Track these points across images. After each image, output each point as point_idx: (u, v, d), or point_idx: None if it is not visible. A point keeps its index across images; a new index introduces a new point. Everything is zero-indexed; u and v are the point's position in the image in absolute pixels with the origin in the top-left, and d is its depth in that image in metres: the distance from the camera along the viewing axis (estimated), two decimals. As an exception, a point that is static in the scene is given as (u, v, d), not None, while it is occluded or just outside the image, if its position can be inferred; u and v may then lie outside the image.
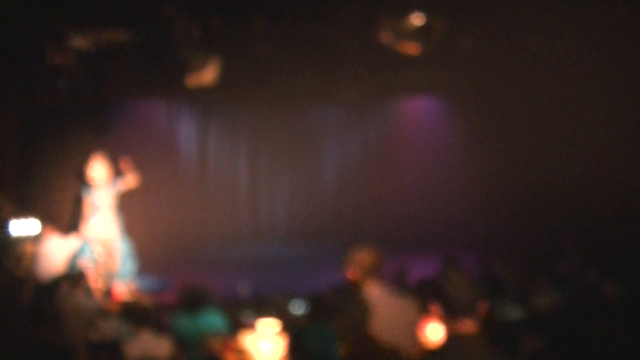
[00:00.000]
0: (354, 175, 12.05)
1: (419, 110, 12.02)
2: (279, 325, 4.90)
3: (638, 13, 7.08)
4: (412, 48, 6.85)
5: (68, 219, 8.67)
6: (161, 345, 4.53)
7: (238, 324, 5.23)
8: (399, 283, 6.47)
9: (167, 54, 7.22)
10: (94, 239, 8.21)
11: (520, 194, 10.58)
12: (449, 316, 2.56)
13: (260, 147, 11.76)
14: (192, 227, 11.07)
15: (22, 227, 7.68)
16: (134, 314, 4.82)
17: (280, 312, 5.50)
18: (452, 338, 2.53)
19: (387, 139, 12.06)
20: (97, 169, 8.33)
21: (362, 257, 3.36)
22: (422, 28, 6.55)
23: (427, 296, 5.38)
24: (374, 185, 11.96)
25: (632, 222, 8.80)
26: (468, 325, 2.53)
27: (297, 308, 5.68)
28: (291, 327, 4.87)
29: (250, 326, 5.08)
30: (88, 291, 6.31)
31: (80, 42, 6.97)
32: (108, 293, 7.65)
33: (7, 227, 7.51)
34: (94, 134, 8.99)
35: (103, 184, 8.32)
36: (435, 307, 2.64)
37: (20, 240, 7.59)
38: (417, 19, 6.50)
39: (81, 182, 8.50)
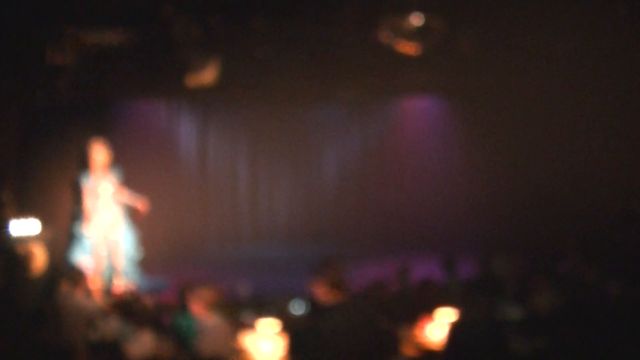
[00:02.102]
0: (354, 175, 12.04)
1: (419, 110, 12.02)
2: (279, 325, 4.90)
3: (638, 13, 7.08)
4: (411, 48, 6.85)
5: (69, 212, 8.65)
6: (161, 345, 4.54)
7: (238, 324, 5.23)
8: (401, 282, 6.48)
9: (167, 54, 7.22)
10: (96, 228, 8.18)
11: (521, 194, 10.58)
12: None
13: (260, 147, 11.75)
14: (192, 227, 11.07)
15: (22, 227, 7.69)
16: (134, 314, 4.83)
17: (280, 312, 5.50)
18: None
19: (387, 139, 12.04)
20: (97, 153, 8.28)
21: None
22: (421, 28, 6.55)
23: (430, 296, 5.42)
24: (374, 185, 11.95)
25: (632, 222, 8.80)
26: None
27: (297, 308, 5.68)
28: (291, 327, 4.87)
29: (250, 326, 5.08)
30: (88, 291, 6.31)
31: (80, 42, 6.97)
32: (108, 293, 7.65)
33: (7, 227, 7.52)
34: (94, 134, 8.98)
35: (102, 170, 8.26)
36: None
37: (20, 241, 7.59)
38: (416, 19, 6.50)
39: (80, 168, 8.46)
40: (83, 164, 8.37)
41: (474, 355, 4.20)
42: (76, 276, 6.02)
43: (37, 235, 7.73)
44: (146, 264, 8.83)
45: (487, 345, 4.20)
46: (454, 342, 4.35)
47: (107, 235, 8.20)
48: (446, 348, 4.40)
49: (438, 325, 4.99)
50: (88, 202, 8.18)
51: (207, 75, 7.33)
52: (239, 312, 5.69)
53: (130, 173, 8.83)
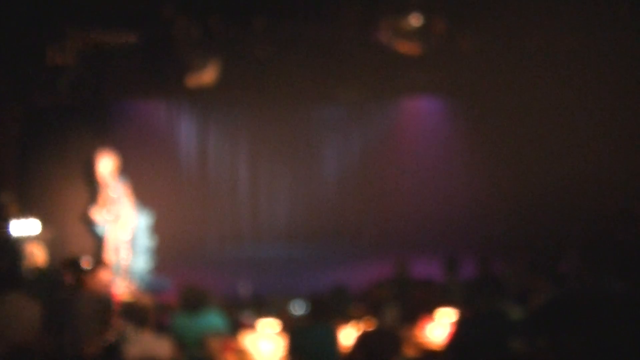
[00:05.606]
0: (354, 175, 12.04)
1: (419, 110, 12.02)
2: (279, 325, 4.90)
3: (638, 13, 7.08)
4: (411, 48, 6.85)
5: (72, 218, 8.67)
6: (161, 345, 4.53)
7: (238, 324, 5.24)
8: (399, 273, 6.50)
9: (167, 54, 7.22)
10: (105, 237, 8.20)
11: (521, 194, 10.58)
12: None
13: (260, 147, 11.75)
14: (192, 227, 11.07)
15: (23, 227, 7.69)
16: (134, 314, 4.82)
17: (280, 312, 5.50)
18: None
19: (387, 139, 12.05)
20: (105, 165, 8.30)
21: None
22: (421, 28, 6.56)
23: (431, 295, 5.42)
24: (374, 185, 11.95)
25: (632, 222, 8.80)
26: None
27: (297, 308, 5.68)
28: (291, 327, 4.88)
29: (250, 326, 5.09)
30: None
31: (80, 41, 6.97)
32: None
33: (8, 227, 7.52)
34: (94, 134, 8.99)
35: (111, 180, 8.29)
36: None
37: (21, 241, 7.59)
38: (416, 19, 6.51)
39: (90, 179, 8.48)
40: (89, 174, 8.38)
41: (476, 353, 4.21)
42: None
43: (37, 235, 7.73)
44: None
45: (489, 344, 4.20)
46: (457, 340, 4.35)
47: (117, 238, 8.21)
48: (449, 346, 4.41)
49: (438, 325, 4.99)
50: (99, 209, 8.21)
51: (207, 75, 7.33)
52: (239, 312, 5.69)
53: (131, 173, 8.84)
